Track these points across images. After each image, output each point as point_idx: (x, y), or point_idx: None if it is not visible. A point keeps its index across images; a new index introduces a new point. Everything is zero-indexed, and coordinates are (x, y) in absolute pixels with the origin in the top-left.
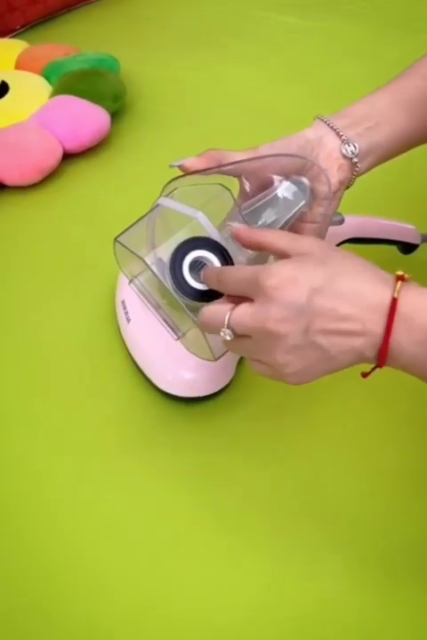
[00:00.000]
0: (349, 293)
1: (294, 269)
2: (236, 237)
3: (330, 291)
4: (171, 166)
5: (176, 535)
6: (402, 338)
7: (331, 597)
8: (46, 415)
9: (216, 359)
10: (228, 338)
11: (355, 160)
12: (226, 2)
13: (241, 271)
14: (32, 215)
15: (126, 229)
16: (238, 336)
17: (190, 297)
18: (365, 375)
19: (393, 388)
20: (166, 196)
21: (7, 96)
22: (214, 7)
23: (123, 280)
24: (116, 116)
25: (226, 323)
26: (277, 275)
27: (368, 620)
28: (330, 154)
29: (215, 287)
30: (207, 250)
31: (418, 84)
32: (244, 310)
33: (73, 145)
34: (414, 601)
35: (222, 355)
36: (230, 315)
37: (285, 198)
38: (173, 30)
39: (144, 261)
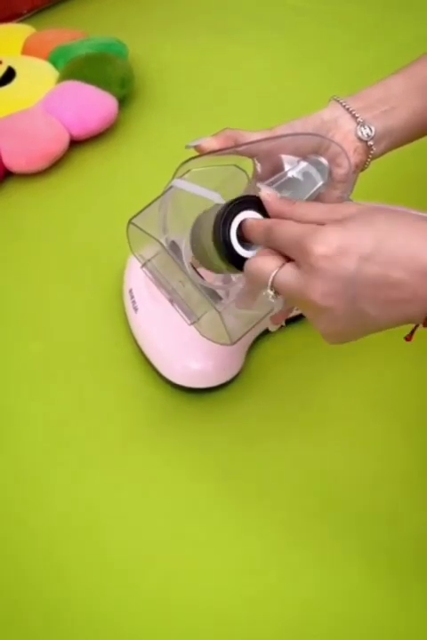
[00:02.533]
0: (400, 257)
1: (341, 238)
2: (265, 205)
3: (380, 256)
4: (187, 147)
5: (182, 524)
6: None
7: (339, 587)
8: (52, 405)
9: (233, 343)
10: (270, 299)
11: (370, 143)
12: None
13: (287, 229)
14: (39, 202)
15: (140, 211)
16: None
17: (235, 265)
18: (408, 339)
19: (402, 379)
20: (180, 177)
21: (13, 82)
22: None
23: (130, 268)
24: (123, 101)
25: (270, 283)
26: (325, 243)
27: (377, 609)
28: (346, 136)
29: (261, 242)
30: (254, 210)
31: None
32: (289, 275)
33: (80, 131)
34: (421, 591)
35: (239, 338)
36: (275, 274)
37: (302, 179)
38: (181, 15)
39: (161, 243)
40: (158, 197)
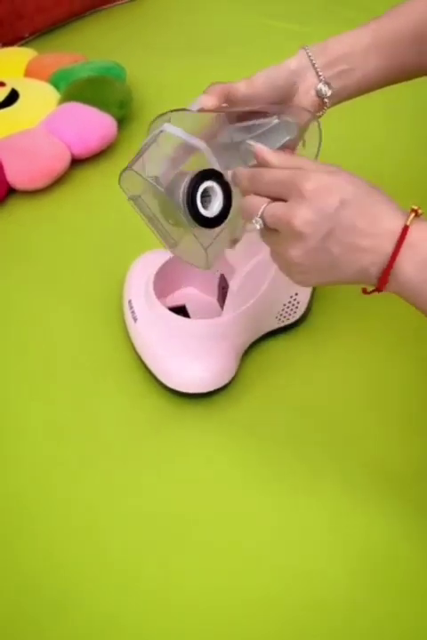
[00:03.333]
0: (369, 214)
1: (329, 178)
2: (256, 157)
3: (356, 206)
4: (190, 110)
5: (181, 525)
6: (406, 263)
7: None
8: (53, 412)
9: (209, 267)
10: (258, 226)
11: (325, 100)
12: (229, 11)
13: (277, 172)
14: (41, 218)
15: (136, 158)
16: (267, 229)
17: (200, 223)
18: (365, 291)
19: (397, 381)
20: (167, 122)
21: (17, 103)
22: (218, 16)
23: (130, 280)
24: (122, 122)
25: (260, 212)
26: (315, 180)
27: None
28: (308, 90)
29: (245, 187)
30: (216, 182)
31: (397, 27)
32: (278, 205)
33: (81, 150)
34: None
35: (214, 263)
36: (266, 207)
37: (272, 132)
38: (177, 38)
39: (155, 186)
40: (149, 142)
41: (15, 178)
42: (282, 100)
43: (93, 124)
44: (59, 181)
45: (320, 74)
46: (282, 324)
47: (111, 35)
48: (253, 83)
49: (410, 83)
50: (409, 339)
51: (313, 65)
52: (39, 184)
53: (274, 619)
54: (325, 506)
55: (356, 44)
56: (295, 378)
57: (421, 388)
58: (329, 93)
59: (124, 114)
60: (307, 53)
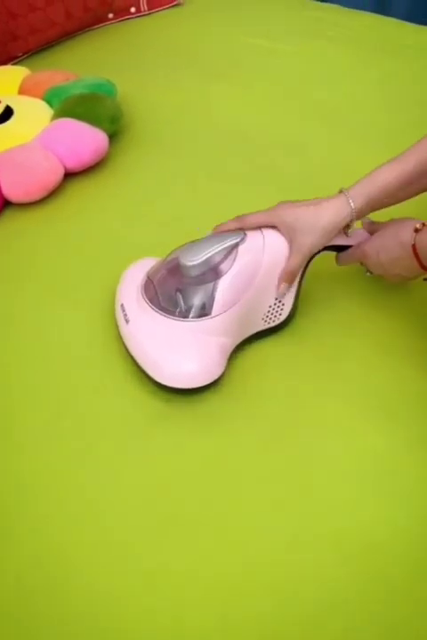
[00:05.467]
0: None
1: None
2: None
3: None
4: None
5: (175, 513)
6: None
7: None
8: (49, 413)
9: None
10: None
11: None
12: (217, 30)
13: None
14: (36, 230)
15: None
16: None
17: None
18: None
19: (388, 384)
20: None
21: (12, 119)
22: (206, 36)
23: (122, 285)
24: (113, 137)
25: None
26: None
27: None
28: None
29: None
30: None
31: (418, 159)
32: None
33: (74, 164)
34: None
35: None
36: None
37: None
38: (167, 57)
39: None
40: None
41: (10, 191)
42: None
43: (86, 139)
44: (53, 194)
45: (354, 214)
46: (268, 326)
47: (102, 53)
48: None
49: None
50: (395, 337)
51: (354, 214)
52: (34, 197)
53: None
54: (318, 498)
55: (387, 188)
56: (283, 376)
57: (401, 378)
58: (353, 226)
59: (115, 129)
60: (351, 206)
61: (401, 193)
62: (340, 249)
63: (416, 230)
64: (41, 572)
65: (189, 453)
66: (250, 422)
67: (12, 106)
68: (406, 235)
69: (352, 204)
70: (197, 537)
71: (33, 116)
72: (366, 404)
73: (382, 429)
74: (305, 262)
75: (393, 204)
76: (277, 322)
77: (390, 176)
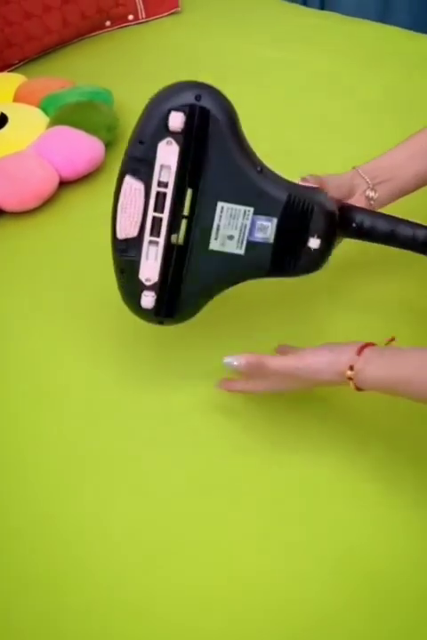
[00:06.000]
0: None
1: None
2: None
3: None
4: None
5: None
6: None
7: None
8: (35, 424)
9: None
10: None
11: (372, 202)
12: (215, 38)
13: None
14: (30, 240)
15: None
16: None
17: None
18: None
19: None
20: None
21: (6, 127)
22: (205, 44)
23: None
24: (110, 145)
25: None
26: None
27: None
28: (360, 196)
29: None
30: None
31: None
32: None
33: (69, 173)
34: None
35: None
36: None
37: None
38: (165, 64)
39: None
40: None
41: (4, 200)
42: (343, 198)
43: (81, 147)
44: (47, 203)
45: (369, 182)
46: None
47: (99, 61)
48: (326, 183)
49: None
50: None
51: (364, 179)
52: (28, 206)
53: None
54: (317, 521)
55: (394, 159)
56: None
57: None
58: (375, 197)
59: (111, 137)
60: (359, 171)
61: (411, 168)
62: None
63: (351, 368)
64: (33, 595)
65: (182, 475)
66: (246, 443)
67: (7, 113)
68: (343, 367)
69: (363, 175)
70: (192, 561)
71: (28, 123)
72: (366, 423)
73: (383, 449)
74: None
75: (417, 188)
76: None
77: (395, 149)
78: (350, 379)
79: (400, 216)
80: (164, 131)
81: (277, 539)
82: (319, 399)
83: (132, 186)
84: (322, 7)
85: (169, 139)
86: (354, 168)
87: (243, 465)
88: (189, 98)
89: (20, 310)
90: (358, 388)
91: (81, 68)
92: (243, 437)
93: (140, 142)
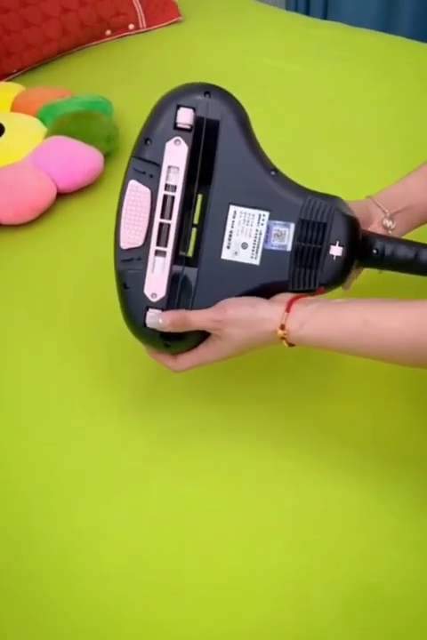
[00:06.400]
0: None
1: None
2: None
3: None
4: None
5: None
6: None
7: None
8: (37, 448)
9: None
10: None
11: (390, 231)
12: (218, 47)
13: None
14: (26, 252)
15: None
16: None
17: None
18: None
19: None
20: None
21: (3, 137)
22: (206, 53)
23: None
24: (109, 156)
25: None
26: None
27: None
28: (378, 225)
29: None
30: None
31: None
32: None
33: (67, 185)
34: None
35: None
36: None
37: None
38: (166, 74)
39: None
40: None
41: (0, 212)
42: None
43: (80, 158)
44: (44, 215)
45: (386, 212)
46: None
47: (98, 70)
48: None
49: None
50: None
51: (380, 208)
52: (24, 218)
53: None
54: (325, 549)
55: (410, 188)
56: (280, 419)
57: (411, 423)
58: (393, 226)
59: (110, 148)
60: (375, 201)
61: None
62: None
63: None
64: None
65: (183, 498)
66: (247, 467)
67: (4, 123)
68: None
69: (379, 204)
70: (192, 592)
71: (25, 133)
72: (376, 450)
73: (395, 478)
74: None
75: (424, 217)
76: None
77: (409, 177)
78: (283, 338)
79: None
80: (172, 129)
81: (279, 566)
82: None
83: (138, 190)
84: (325, 16)
85: (177, 137)
86: (369, 197)
87: (238, 493)
88: (198, 95)
89: (15, 327)
90: (291, 345)
91: (80, 78)
92: (237, 464)
93: (147, 141)
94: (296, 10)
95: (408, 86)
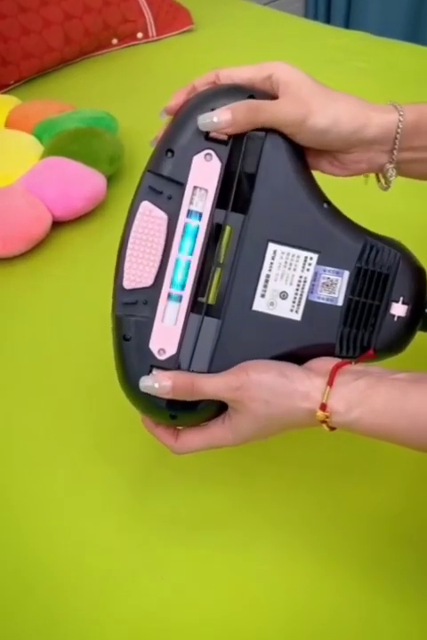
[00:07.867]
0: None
1: None
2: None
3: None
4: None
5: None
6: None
7: None
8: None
9: None
10: None
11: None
12: (233, 58)
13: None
14: (17, 289)
15: None
16: None
17: None
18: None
19: None
20: None
21: None
22: (220, 64)
23: None
24: (112, 179)
25: None
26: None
27: None
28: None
29: None
30: None
31: None
32: None
33: (63, 212)
34: None
35: None
36: None
37: None
38: (175, 87)
39: None
40: None
41: None
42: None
43: (79, 182)
44: (38, 247)
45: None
46: None
47: (103, 83)
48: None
49: None
50: None
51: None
52: (15, 250)
53: None
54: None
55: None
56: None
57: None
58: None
59: (114, 170)
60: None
61: None
62: None
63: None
64: None
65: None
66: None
67: None
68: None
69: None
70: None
71: (18, 153)
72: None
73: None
74: None
75: None
76: None
77: None
78: (324, 421)
79: None
80: (203, 140)
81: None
82: None
83: (152, 214)
84: (347, 25)
85: (209, 151)
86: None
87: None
88: (240, 98)
89: (7, 364)
90: (332, 429)
91: (83, 91)
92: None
93: (168, 153)
94: (316, 18)
95: None
